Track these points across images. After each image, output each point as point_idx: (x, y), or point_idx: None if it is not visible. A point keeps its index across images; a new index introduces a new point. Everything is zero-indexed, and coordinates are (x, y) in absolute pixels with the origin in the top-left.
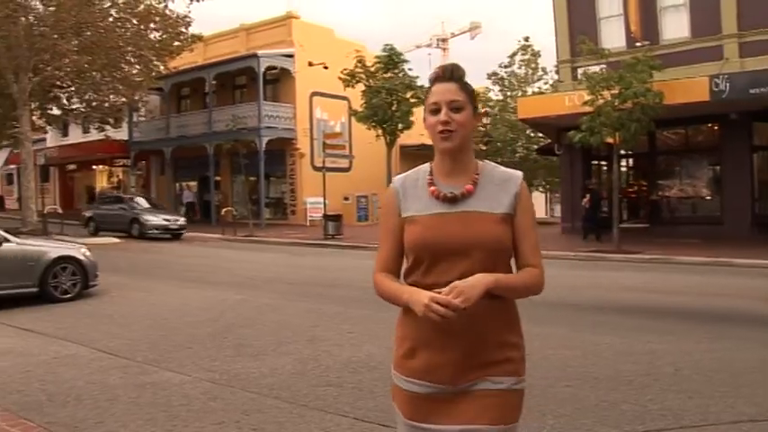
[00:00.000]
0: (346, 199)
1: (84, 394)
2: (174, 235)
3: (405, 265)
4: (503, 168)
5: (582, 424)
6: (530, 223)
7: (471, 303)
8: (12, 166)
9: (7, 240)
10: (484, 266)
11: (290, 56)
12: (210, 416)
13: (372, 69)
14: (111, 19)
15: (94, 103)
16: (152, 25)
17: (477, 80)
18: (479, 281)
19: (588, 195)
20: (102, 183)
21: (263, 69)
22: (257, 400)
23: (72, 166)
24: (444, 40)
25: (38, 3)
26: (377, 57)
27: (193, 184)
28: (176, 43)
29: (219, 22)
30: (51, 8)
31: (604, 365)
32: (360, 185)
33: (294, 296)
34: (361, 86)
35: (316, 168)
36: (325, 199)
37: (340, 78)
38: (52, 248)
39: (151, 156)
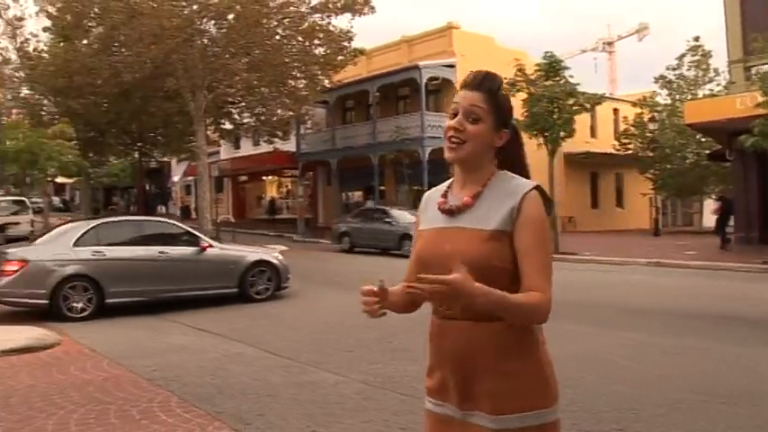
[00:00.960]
0: None
1: (249, 389)
2: None
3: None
4: (518, 180)
5: None
6: (531, 242)
7: (452, 308)
8: (190, 178)
9: (211, 246)
10: None
11: (452, 66)
12: (362, 414)
13: (533, 77)
14: (277, 37)
15: (263, 118)
16: (316, 41)
17: (644, 84)
18: (484, 292)
19: (720, 204)
20: (272, 192)
21: (424, 80)
22: (408, 402)
23: (243, 177)
24: (610, 44)
25: (211, 26)
26: (537, 65)
27: (358, 193)
28: (340, 57)
29: (381, 35)
30: (223, 30)
31: None
32: None
33: None
34: (521, 95)
35: None
36: None
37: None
38: (250, 253)
39: (318, 166)
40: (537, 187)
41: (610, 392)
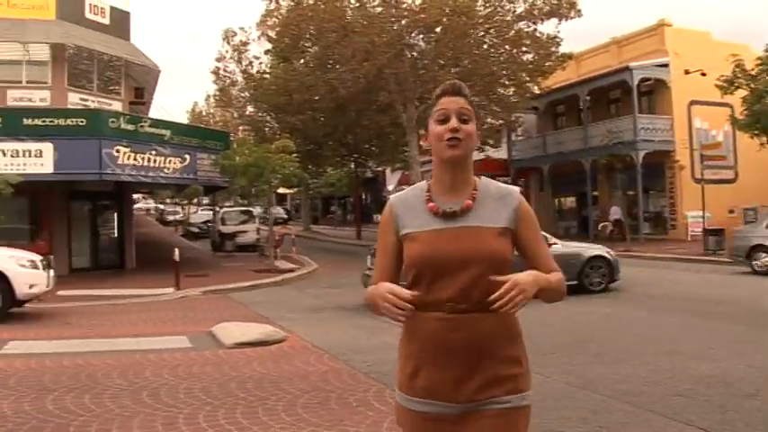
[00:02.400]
0: (731, 212)
1: None
2: None
3: (405, 283)
4: (499, 184)
5: None
6: (536, 235)
7: (528, 299)
8: (404, 187)
9: (555, 243)
10: (484, 278)
11: (665, 65)
12: (560, 412)
13: (753, 72)
14: (485, 47)
15: None
16: (523, 48)
17: None
18: (537, 277)
19: None
20: None
21: (636, 82)
22: (606, 402)
23: None
24: None
25: (419, 40)
26: (759, 58)
27: (571, 199)
28: (548, 63)
29: (590, 38)
30: (431, 44)
31: None
32: (747, 197)
33: (661, 310)
34: (741, 92)
35: (697, 181)
36: (705, 212)
37: (716, 86)
38: (587, 249)
39: (530, 173)
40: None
41: None
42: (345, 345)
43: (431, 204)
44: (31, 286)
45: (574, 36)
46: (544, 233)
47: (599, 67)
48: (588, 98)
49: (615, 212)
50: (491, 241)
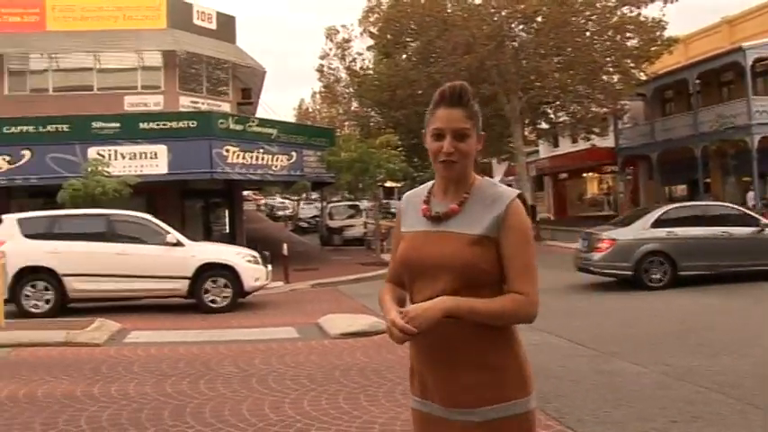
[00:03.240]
0: None
1: (552, 374)
2: None
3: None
4: (499, 188)
5: None
6: (516, 247)
7: (424, 328)
8: (510, 178)
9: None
10: (453, 288)
11: None
12: (656, 401)
13: None
14: (587, 34)
15: (579, 115)
16: (627, 34)
17: None
18: (435, 305)
19: None
20: (592, 190)
21: (750, 62)
22: (704, 394)
23: (563, 175)
24: None
25: (520, 31)
26: None
27: (681, 187)
28: (653, 48)
29: (698, 19)
30: (532, 33)
31: None
32: None
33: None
34: None
35: None
36: None
37: None
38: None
39: (638, 161)
40: (519, 195)
41: None
42: None
43: (424, 206)
44: (255, 279)
45: (681, 18)
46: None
47: (709, 49)
48: (698, 82)
49: (751, 198)
50: (464, 249)
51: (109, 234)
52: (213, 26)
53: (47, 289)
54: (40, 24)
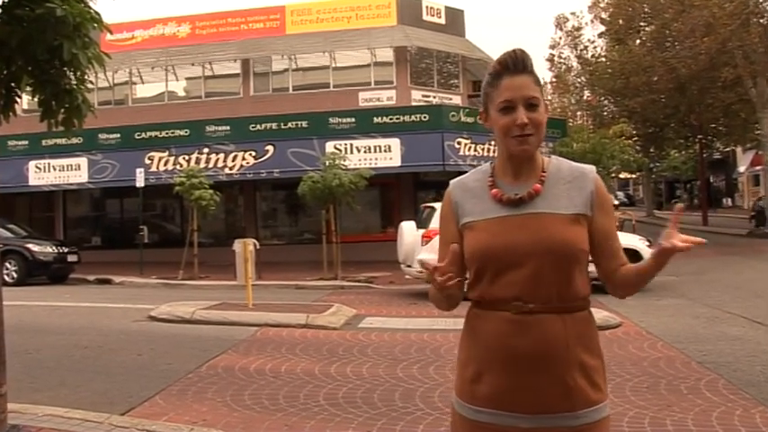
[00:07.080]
0: None
1: None
2: None
3: (468, 279)
4: (572, 163)
5: None
6: (612, 224)
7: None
8: (757, 168)
9: None
10: (556, 273)
11: None
12: None
13: None
14: None
15: None
16: None
17: None
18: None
19: None
20: None
21: None
22: None
23: None
24: None
25: None
26: None
27: None
28: None
29: None
30: None
31: None
32: None
33: None
34: None
35: None
36: None
37: None
38: None
39: None
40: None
41: None
42: (681, 333)
43: (494, 191)
44: None
45: None
46: None
47: None
48: None
49: None
50: (562, 230)
51: None
52: (442, 21)
53: None
54: (280, 29)
